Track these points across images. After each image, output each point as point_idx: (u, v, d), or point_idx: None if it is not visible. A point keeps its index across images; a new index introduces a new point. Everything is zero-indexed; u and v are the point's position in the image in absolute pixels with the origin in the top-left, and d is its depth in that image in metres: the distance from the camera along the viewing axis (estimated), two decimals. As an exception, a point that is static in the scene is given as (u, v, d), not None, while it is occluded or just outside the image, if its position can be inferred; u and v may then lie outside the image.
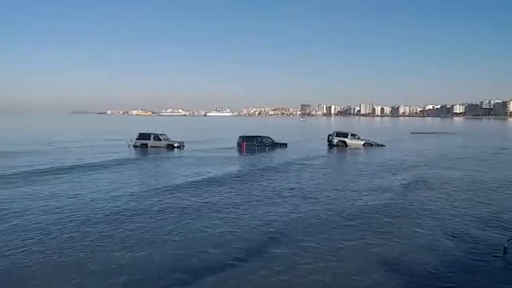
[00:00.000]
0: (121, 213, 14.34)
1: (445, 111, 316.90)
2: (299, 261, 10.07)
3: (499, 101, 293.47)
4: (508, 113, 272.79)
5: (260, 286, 8.86)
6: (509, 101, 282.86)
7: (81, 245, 11.02)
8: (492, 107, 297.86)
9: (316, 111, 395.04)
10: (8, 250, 10.55)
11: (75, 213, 14.21)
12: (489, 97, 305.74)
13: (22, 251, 10.46)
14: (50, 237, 11.67)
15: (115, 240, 11.49)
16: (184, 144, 40.15)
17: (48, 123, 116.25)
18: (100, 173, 23.94)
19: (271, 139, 42.12)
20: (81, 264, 9.77)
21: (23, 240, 11.29)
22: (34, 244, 11.05)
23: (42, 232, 12.05)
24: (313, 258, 10.29)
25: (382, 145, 43.03)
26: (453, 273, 9.43)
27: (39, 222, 13.04)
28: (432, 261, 10.15)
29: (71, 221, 13.27)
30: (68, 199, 16.54)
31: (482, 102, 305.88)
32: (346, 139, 42.91)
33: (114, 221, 13.32)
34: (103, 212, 14.50)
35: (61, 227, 12.59)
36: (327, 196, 17.72)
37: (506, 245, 10.67)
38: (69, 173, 23.27)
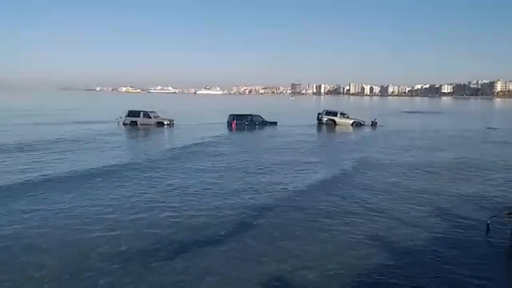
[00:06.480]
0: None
1: (434, 91, 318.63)
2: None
3: (487, 82, 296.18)
4: (495, 93, 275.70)
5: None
6: (496, 81, 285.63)
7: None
8: (479, 87, 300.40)
9: (306, 90, 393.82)
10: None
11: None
12: (477, 77, 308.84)
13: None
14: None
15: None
16: (174, 121, 39.98)
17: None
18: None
19: (261, 117, 42.04)
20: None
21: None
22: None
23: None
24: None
25: (376, 124, 42.39)
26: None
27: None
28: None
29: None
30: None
31: (470, 82, 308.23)
32: (335, 118, 42.89)
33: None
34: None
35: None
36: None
37: (488, 222, 10.98)
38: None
